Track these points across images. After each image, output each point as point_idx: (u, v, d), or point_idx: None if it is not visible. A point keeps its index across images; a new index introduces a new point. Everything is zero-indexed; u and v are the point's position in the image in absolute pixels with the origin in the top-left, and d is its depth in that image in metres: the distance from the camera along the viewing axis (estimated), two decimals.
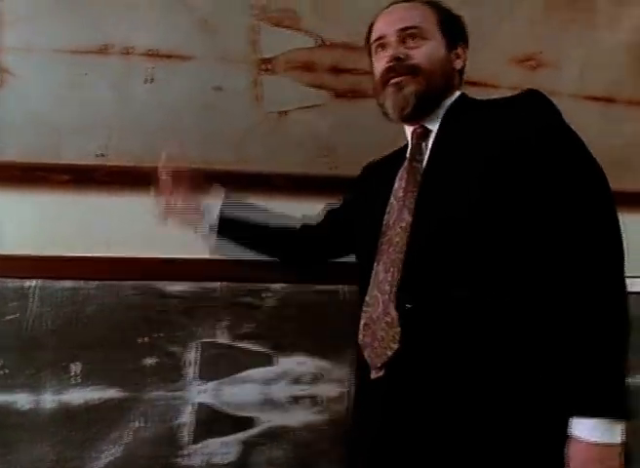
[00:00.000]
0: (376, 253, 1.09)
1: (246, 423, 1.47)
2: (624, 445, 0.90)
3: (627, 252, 0.95)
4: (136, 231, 1.44)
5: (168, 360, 1.44)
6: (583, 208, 0.95)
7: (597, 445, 0.88)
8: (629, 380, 0.90)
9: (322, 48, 1.55)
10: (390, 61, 1.10)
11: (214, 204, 1.29)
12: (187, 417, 1.44)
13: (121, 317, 1.43)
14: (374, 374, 1.03)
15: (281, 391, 1.49)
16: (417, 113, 1.11)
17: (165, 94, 1.48)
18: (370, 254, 1.10)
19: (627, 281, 0.93)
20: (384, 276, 1.05)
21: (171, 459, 1.43)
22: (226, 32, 1.51)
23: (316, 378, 1.51)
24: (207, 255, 1.44)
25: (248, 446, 1.46)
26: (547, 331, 0.94)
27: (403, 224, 1.05)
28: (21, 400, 1.38)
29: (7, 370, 1.38)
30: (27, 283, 1.40)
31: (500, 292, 0.96)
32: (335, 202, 1.38)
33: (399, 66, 1.10)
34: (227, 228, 1.30)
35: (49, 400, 1.39)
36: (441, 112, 1.12)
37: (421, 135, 1.13)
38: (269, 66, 1.52)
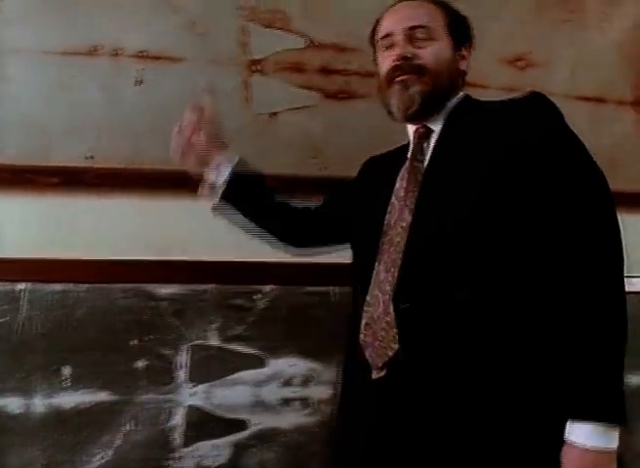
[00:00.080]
0: (377, 253, 1.08)
1: (237, 425, 1.46)
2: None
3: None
4: (125, 233, 1.44)
5: (159, 362, 1.44)
6: (583, 211, 0.95)
7: (592, 450, 0.88)
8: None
9: (312, 49, 1.55)
10: (397, 60, 1.10)
11: (225, 165, 1.24)
12: (178, 420, 1.44)
13: (111, 320, 1.42)
14: (375, 374, 1.03)
15: (272, 393, 1.48)
16: (421, 113, 1.11)
17: (154, 95, 1.48)
18: (371, 254, 1.09)
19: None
20: (385, 276, 1.04)
21: (162, 462, 1.42)
22: (216, 34, 1.51)
23: (307, 380, 1.50)
24: (197, 258, 1.44)
25: (239, 448, 1.46)
26: (545, 334, 0.94)
27: (404, 224, 1.05)
28: (12, 404, 1.38)
29: None
30: (17, 286, 1.39)
31: (500, 294, 0.96)
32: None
33: (406, 65, 1.09)
34: (234, 192, 1.25)
35: (39, 403, 1.39)
36: (444, 112, 1.12)
37: (424, 134, 1.12)
38: (259, 67, 1.52)
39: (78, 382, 1.40)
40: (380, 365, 1.02)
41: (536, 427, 0.92)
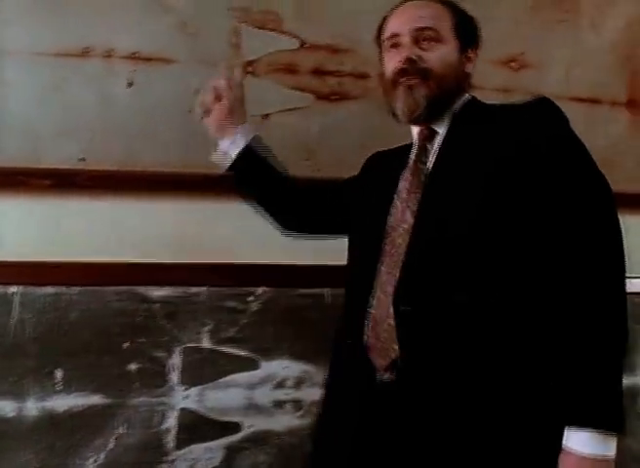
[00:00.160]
0: (379, 254, 1.07)
1: (230, 428, 1.46)
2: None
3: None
4: (118, 236, 1.44)
5: (151, 365, 1.43)
6: (586, 217, 0.95)
7: (590, 458, 0.88)
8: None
9: (304, 50, 1.55)
10: (404, 63, 1.09)
11: (241, 137, 1.26)
12: (171, 423, 1.43)
13: (104, 323, 1.42)
14: (380, 376, 1.02)
15: (265, 395, 1.48)
16: (426, 116, 1.10)
17: (146, 97, 1.47)
18: (373, 255, 1.08)
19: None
20: (387, 278, 1.04)
21: (155, 465, 1.42)
22: (208, 35, 1.50)
23: (300, 382, 1.50)
24: (190, 260, 1.44)
25: (232, 451, 1.46)
26: (545, 339, 0.94)
27: (405, 226, 1.05)
28: (4, 407, 1.37)
29: None
30: (9, 289, 1.39)
31: (500, 297, 0.96)
32: None
33: (412, 68, 1.08)
34: (244, 165, 1.27)
35: (32, 407, 1.38)
36: (449, 115, 1.11)
37: (428, 136, 1.12)
38: (251, 69, 1.52)
39: (71, 385, 1.40)
40: (384, 366, 1.02)
41: (534, 433, 0.92)
